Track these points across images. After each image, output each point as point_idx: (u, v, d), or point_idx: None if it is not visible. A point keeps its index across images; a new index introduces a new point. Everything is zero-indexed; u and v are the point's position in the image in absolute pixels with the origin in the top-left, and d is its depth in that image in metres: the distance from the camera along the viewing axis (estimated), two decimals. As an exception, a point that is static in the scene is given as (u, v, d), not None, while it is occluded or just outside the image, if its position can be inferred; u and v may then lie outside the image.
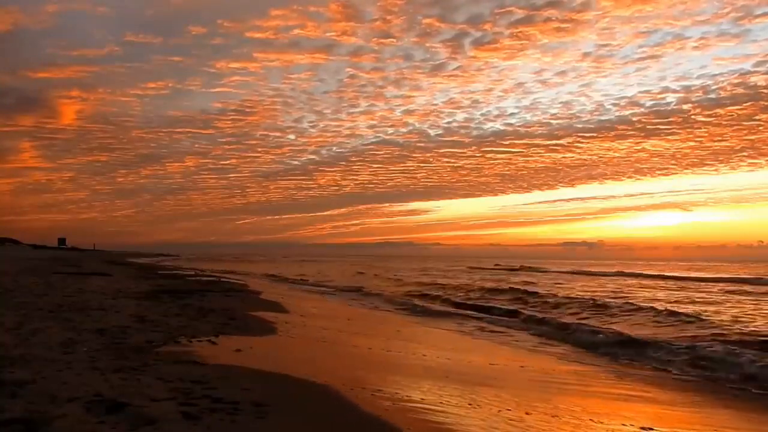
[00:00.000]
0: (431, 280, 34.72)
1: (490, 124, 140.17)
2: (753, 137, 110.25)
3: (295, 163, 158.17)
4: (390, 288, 28.52)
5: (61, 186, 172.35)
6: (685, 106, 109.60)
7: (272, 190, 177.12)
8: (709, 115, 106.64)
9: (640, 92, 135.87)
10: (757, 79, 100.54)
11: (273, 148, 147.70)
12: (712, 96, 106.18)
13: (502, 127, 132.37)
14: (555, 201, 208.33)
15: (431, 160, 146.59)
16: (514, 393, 6.95)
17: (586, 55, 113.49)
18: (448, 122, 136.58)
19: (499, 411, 5.82)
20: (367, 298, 22.96)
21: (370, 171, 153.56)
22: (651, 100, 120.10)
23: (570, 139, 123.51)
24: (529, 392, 7.23)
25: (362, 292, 26.14)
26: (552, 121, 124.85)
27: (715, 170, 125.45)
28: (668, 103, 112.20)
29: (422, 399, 5.88)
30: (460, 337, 12.90)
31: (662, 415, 6.73)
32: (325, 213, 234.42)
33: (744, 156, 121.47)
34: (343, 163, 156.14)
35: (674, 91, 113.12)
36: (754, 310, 18.19)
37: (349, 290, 26.99)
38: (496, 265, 74.78)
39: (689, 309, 17.59)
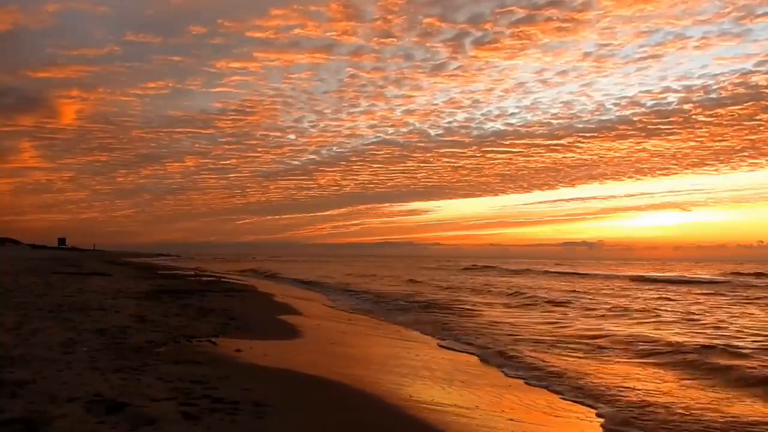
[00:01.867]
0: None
1: (490, 124, 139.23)
2: (754, 137, 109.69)
3: (295, 163, 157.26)
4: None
5: (61, 186, 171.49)
6: (686, 106, 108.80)
7: (272, 190, 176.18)
8: (710, 115, 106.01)
9: (640, 92, 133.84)
10: (758, 79, 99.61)
11: (273, 148, 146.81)
12: (713, 96, 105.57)
13: (502, 127, 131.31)
14: (555, 201, 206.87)
15: (431, 160, 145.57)
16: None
17: (587, 54, 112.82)
18: (449, 122, 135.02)
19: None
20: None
21: (370, 171, 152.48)
22: (652, 99, 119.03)
23: (570, 139, 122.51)
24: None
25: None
26: (552, 121, 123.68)
27: (716, 170, 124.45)
28: (669, 103, 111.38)
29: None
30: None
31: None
32: (325, 213, 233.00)
33: (744, 156, 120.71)
34: (343, 163, 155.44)
35: (675, 91, 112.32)
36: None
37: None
38: (466, 267, 79.64)
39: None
